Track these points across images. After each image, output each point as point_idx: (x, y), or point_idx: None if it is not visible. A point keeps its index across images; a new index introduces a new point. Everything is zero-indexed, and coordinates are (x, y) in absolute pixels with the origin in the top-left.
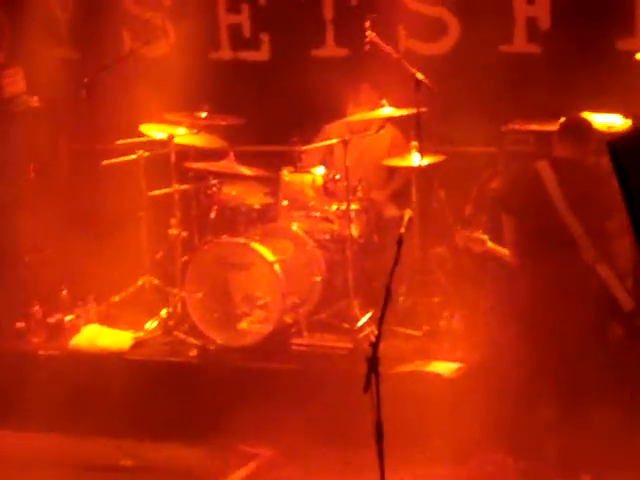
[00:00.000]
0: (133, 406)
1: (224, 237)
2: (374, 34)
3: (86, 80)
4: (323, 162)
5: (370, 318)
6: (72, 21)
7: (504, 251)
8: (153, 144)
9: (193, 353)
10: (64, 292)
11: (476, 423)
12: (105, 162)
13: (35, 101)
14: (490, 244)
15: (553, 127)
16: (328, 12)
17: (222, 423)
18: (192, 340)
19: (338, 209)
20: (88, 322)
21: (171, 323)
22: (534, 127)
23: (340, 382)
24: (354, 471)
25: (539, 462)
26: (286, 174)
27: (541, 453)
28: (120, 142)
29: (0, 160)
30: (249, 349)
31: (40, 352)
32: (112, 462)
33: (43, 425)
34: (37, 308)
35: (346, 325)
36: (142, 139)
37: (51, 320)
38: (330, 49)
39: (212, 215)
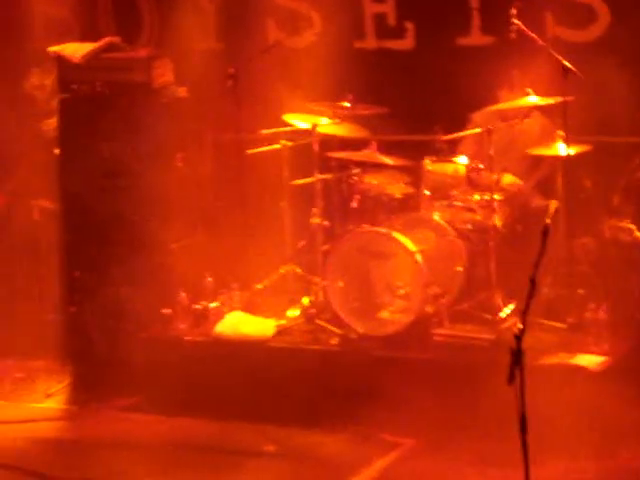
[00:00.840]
0: (275, 392)
1: (365, 226)
2: (520, 22)
3: (232, 70)
4: (468, 151)
5: (513, 309)
6: (218, 12)
7: None
8: (296, 133)
9: (334, 341)
10: (209, 279)
11: (622, 417)
12: (249, 151)
13: (183, 92)
14: (638, 234)
15: None
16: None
17: (363, 412)
18: (333, 328)
19: (481, 199)
20: (232, 309)
21: (313, 311)
22: None
23: (481, 373)
24: (496, 464)
25: None
26: (428, 163)
27: None
28: (264, 132)
29: (149, 150)
30: (390, 338)
31: (186, 338)
32: (255, 447)
33: (187, 410)
34: (183, 295)
35: (488, 316)
36: (285, 129)
37: (196, 307)
38: (476, 37)
39: (354, 204)
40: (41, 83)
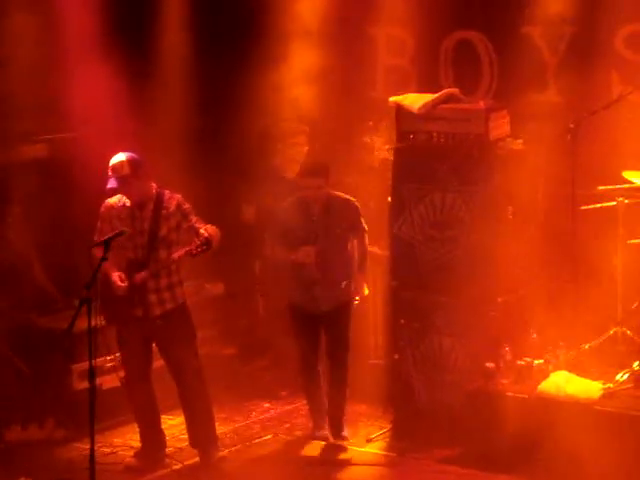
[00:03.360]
0: (597, 458)
1: None
2: None
3: (572, 125)
4: None
5: None
6: (560, 64)
7: None
8: (634, 191)
9: None
10: (534, 335)
11: None
12: (584, 207)
13: (519, 144)
14: None
15: None
16: None
17: None
18: None
19: None
20: (557, 368)
21: None
22: None
23: None
24: None
25: None
26: None
27: None
28: (601, 188)
29: (481, 201)
30: None
31: (508, 393)
32: None
33: (507, 467)
34: (507, 349)
35: None
36: (624, 186)
37: (520, 363)
38: None
39: None
40: (371, 139)
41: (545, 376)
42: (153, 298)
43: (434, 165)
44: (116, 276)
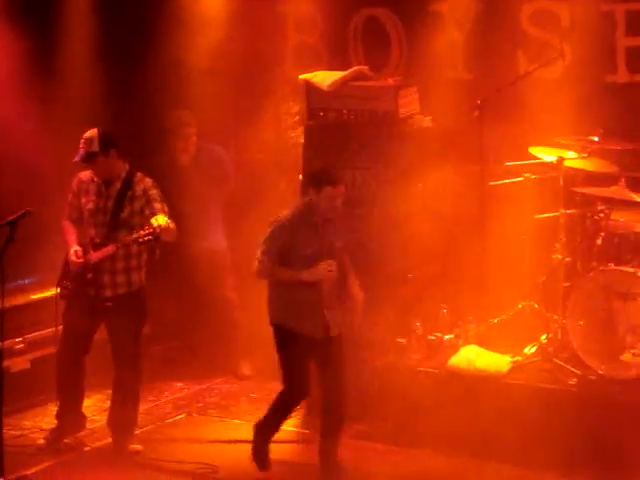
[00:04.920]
0: (507, 430)
1: (610, 265)
2: None
3: (479, 101)
4: None
5: None
6: (468, 42)
7: None
8: (541, 167)
9: (572, 382)
10: (444, 311)
11: None
12: (492, 183)
13: (427, 121)
14: None
15: None
16: None
17: (601, 457)
18: (572, 368)
19: None
20: (467, 342)
21: (551, 349)
22: None
23: None
24: None
25: None
26: None
27: None
28: (508, 164)
29: (391, 178)
30: (632, 382)
31: (419, 368)
32: None
33: (418, 441)
34: (418, 325)
35: None
36: (531, 161)
37: (431, 338)
38: None
39: (598, 242)
40: (282, 117)
41: (455, 350)
42: (107, 279)
43: (344, 142)
44: (73, 251)
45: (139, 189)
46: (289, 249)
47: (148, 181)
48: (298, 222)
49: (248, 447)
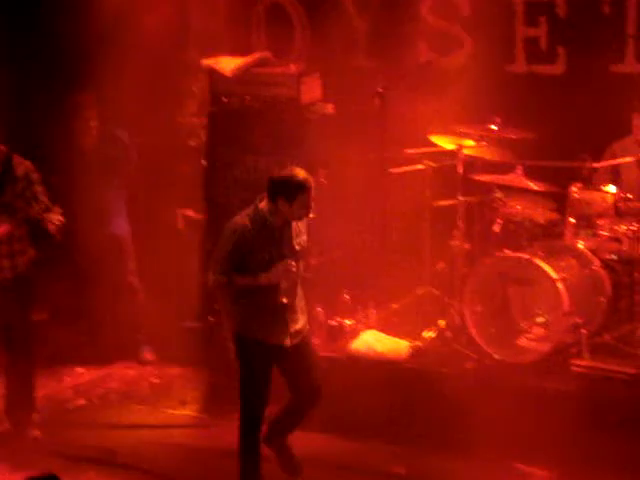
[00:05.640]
0: (408, 413)
1: (507, 251)
2: None
3: (380, 89)
4: (611, 180)
5: None
6: (370, 30)
7: None
8: (441, 154)
9: (470, 366)
10: (346, 296)
11: None
12: (392, 170)
13: (330, 108)
14: None
15: None
16: (631, 27)
17: (497, 439)
18: (469, 353)
19: (628, 229)
20: (367, 327)
21: (449, 334)
22: None
23: (621, 408)
24: None
25: None
26: (575, 191)
27: None
28: (408, 151)
29: (293, 165)
30: (527, 366)
31: (320, 353)
32: (385, 468)
33: (320, 425)
34: (319, 310)
35: (631, 350)
36: (430, 149)
37: (332, 323)
38: (630, 65)
39: (495, 228)
40: (184, 103)
41: (356, 335)
42: None
43: (248, 129)
44: None
45: (20, 171)
46: (246, 256)
47: (28, 164)
48: (253, 228)
49: (149, 432)
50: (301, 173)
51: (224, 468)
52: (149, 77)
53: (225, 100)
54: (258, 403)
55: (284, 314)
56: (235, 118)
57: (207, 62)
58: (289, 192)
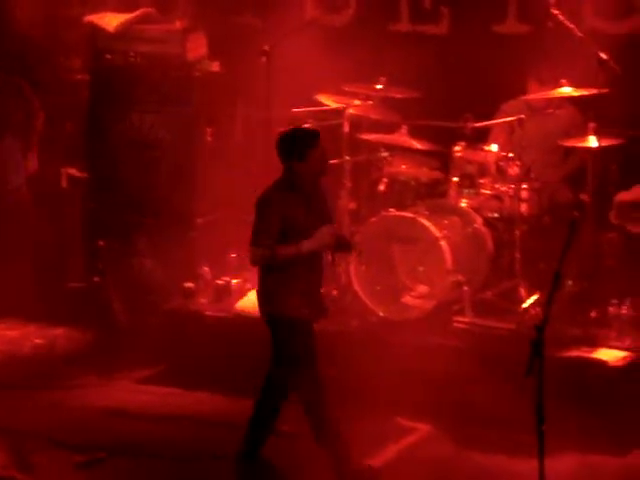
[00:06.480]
0: None
1: (392, 210)
2: (558, 11)
3: (266, 47)
4: (497, 140)
5: (536, 301)
6: None
7: None
8: (327, 113)
9: (355, 324)
10: (233, 255)
11: None
12: (279, 130)
13: (216, 66)
14: None
15: None
16: None
17: (380, 395)
18: (354, 311)
19: (509, 188)
20: (254, 286)
21: (335, 293)
22: None
23: (501, 363)
24: (512, 453)
25: None
26: (458, 150)
27: None
28: (295, 110)
29: (179, 122)
30: (411, 323)
31: (207, 313)
32: None
33: (206, 384)
34: (206, 270)
35: (511, 306)
36: (316, 108)
37: (219, 282)
38: (511, 25)
39: (381, 187)
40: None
41: (243, 295)
42: None
43: (132, 86)
44: None
45: None
46: (284, 226)
47: None
48: (283, 197)
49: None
50: (301, 129)
51: (105, 428)
52: (34, 32)
53: (108, 57)
54: (314, 387)
55: (318, 289)
56: (119, 75)
57: (90, 18)
58: (298, 152)
